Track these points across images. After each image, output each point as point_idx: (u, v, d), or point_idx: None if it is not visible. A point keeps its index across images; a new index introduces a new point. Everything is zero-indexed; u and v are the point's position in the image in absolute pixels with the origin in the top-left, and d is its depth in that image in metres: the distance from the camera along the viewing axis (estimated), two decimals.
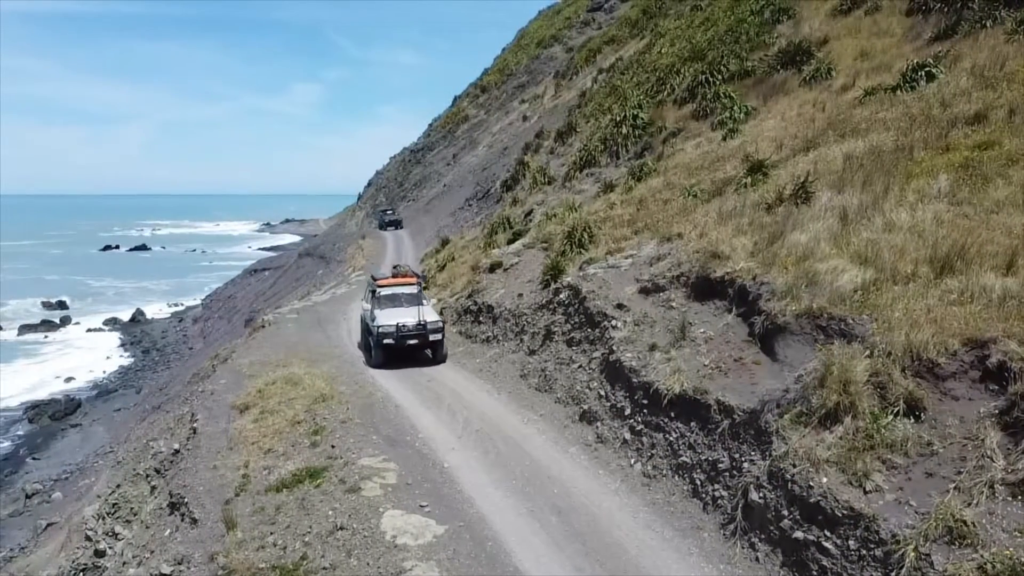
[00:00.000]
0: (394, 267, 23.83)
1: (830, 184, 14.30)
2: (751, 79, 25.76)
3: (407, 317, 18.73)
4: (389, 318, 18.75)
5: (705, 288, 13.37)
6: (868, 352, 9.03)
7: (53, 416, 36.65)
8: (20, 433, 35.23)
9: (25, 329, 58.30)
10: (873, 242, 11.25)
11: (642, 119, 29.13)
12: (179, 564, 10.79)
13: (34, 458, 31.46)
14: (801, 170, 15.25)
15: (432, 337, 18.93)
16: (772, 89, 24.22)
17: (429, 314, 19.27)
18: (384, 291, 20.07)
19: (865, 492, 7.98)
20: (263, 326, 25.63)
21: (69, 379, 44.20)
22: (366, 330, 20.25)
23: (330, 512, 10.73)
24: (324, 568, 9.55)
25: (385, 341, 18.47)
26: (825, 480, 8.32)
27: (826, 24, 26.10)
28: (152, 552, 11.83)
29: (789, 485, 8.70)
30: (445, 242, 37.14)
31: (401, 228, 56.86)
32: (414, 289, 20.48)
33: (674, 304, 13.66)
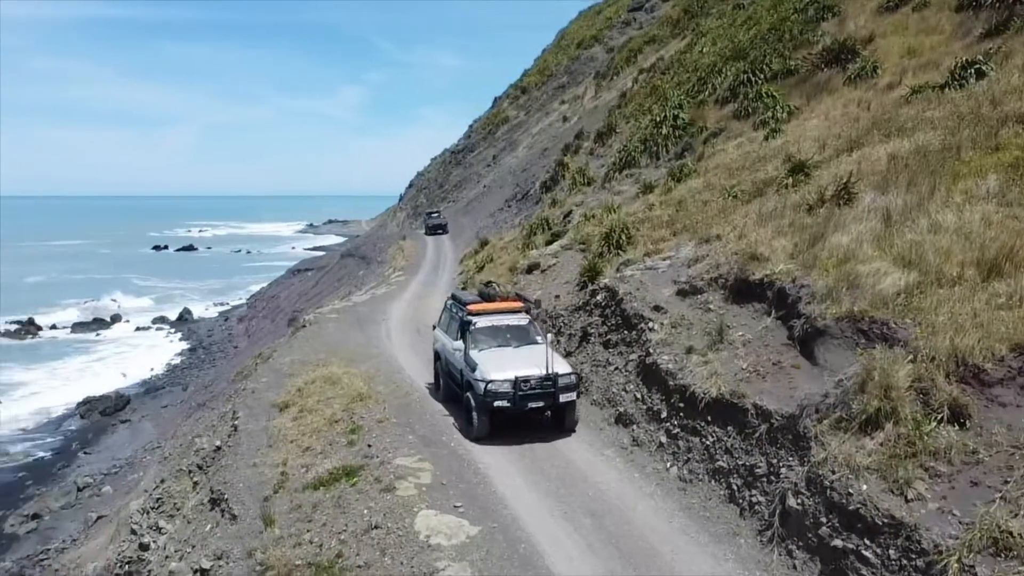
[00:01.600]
0: (486, 284, 18.58)
1: (874, 185, 14.00)
2: (794, 78, 25.33)
3: (528, 366, 13.24)
4: (500, 367, 13.42)
5: (744, 290, 13.19)
6: (911, 357, 8.82)
7: (103, 412, 37.56)
8: (72, 428, 36.17)
9: (78, 327, 59.97)
10: (917, 244, 10.98)
11: (683, 119, 28.84)
12: (218, 559, 11.01)
13: (85, 452, 32.27)
14: (844, 170, 14.95)
15: (564, 397, 13.32)
16: (815, 88, 23.79)
17: (558, 362, 13.64)
18: (481, 322, 14.92)
19: (907, 500, 7.80)
20: (304, 326, 25.95)
21: (119, 376, 45.30)
22: (447, 374, 15.82)
23: (365, 511, 10.84)
24: (359, 566, 9.66)
25: (497, 404, 13.12)
26: (865, 487, 8.15)
27: (872, 21, 25.54)
28: (193, 547, 12.09)
29: (828, 492, 8.54)
30: (484, 243, 37.22)
31: (446, 233, 54.42)
32: (523, 319, 15.45)
33: (712, 306, 13.50)
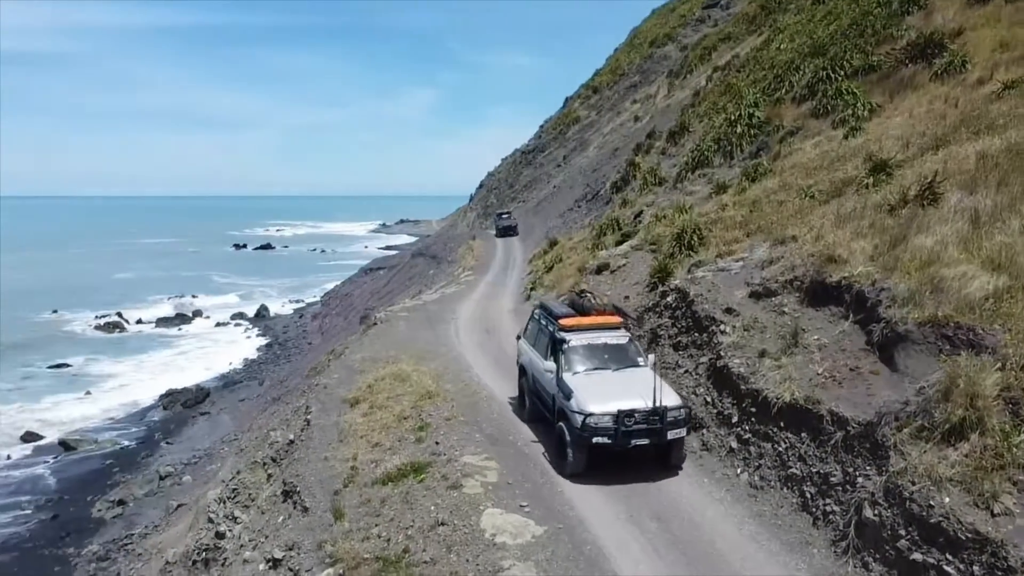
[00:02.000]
0: (579, 294, 16.95)
1: (961, 185, 13.40)
2: (876, 74, 24.45)
3: (631, 396, 11.63)
4: (599, 397, 11.77)
5: (820, 293, 12.80)
6: (999, 365, 8.43)
7: (185, 404, 39.07)
8: (156, 419, 37.73)
9: (162, 322, 62.58)
10: (1008, 246, 10.48)
11: (758, 118, 28.19)
12: (290, 550, 11.30)
13: (167, 443, 33.62)
14: (928, 170, 14.35)
15: (672, 434, 11.60)
16: (899, 84, 22.91)
17: (666, 392, 11.81)
18: (576, 339, 13.27)
19: (992, 515, 7.45)
20: (375, 323, 26.40)
21: (199, 369, 47.03)
22: (534, 393, 14.28)
23: (432, 507, 10.95)
24: (424, 562, 9.76)
25: (596, 440, 11.50)
26: (948, 500, 7.82)
27: (961, 14, 24.46)
28: (266, 537, 12.44)
29: (907, 503, 8.22)
30: (553, 243, 37.17)
31: (516, 235, 52.69)
32: (622, 337, 13.75)
33: (786, 309, 13.14)
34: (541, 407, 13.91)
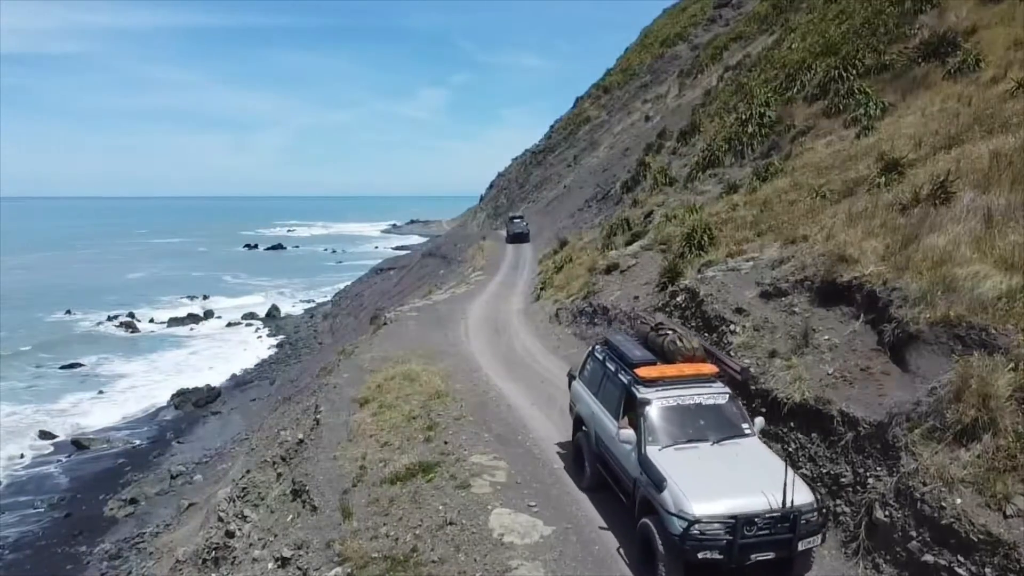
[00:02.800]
0: (654, 328, 11.70)
1: (974, 184, 13.27)
2: (888, 73, 24.29)
3: (747, 489, 8.61)
4: (705, 490, 8.64)
5: (831, 293, 12.71)
6: (1012, 365, 8.35)
7: (196, 403, 39.25)
8: (167, 418, 37.92)
9: (173, 322, 62.90)
10: (1021, 246, 10.38)
11: (769, 117, 28.07)
12: (299, 549, 11.32)
13: (179, 442, 33.78)
14: (941, 169, 14.22)
15: (804, 544, 8.59)
16: (912, 83, 22.74)
17: (797, 486, 8.58)
18: (661, 399, 9.96)
19: (1005, 516, 7.38)
20: (385, 323, 26.45)
21: (210, 369, 47.22)
22: (599, 459, 11.16)
23: (440, 507, 10.94)
24: (433, 561, 9.75)
25: (702, 555, 8.38)
26: (959, 501, 7.75)
27: (974, 12, 24.25)
28: (275, 536, 12.46)
29: (919, 504, 8.15)
30: (563, 243, 37.16)
31: (527, 242, 49.46)
32: (721, 394, 10.26)
33: (797, 309, 13.07)
34: (611, 482, 10.79)
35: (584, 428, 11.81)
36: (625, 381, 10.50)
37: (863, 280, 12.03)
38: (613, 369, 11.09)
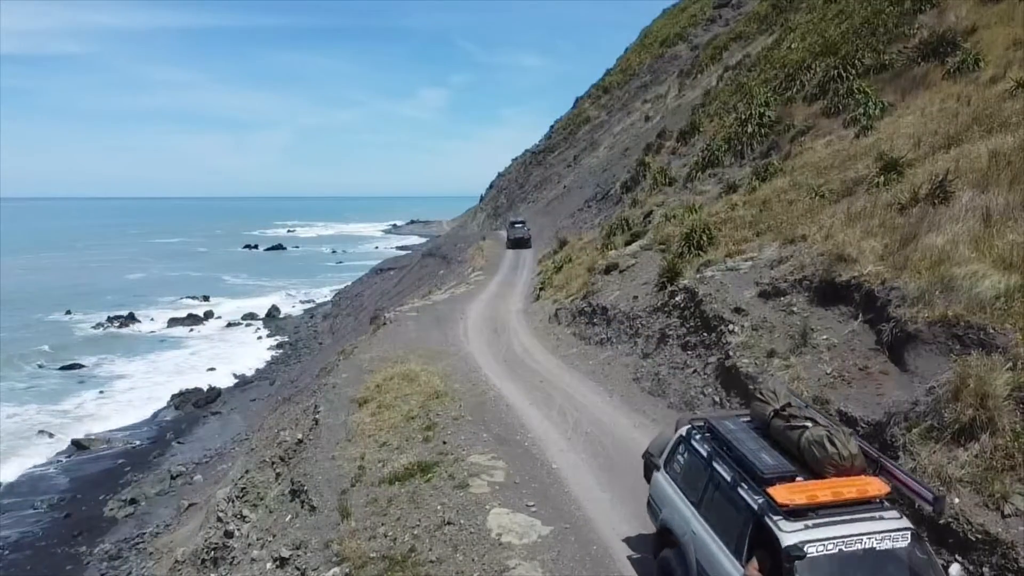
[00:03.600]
0: (779, 411, 7.52)
1: (972, 183, 13.28)
2: (888, 73, 24.30)
3: None
4: None
5: (829, 293, 12.72)
6: (1010, 364, 8.34)
7: (196, 404, 39.21)
8: (167, 419, 37.86)
9: (173, 323, 62.86)
10: (1020, 245, 10.38)
11: (769, 117, 28.10)
12: (297, 549, 11.30)
13: (179, 442, 33.72)
14: (940, 168, 14.24)
15: None
16: (911, 83, 22.75)
17: None
18: (816, 542, 6.14)
19: (1003, 516, 7.37)
20: (385, 323, 26.45)
21: (210, 369, 47.19)
22: None
23: (439, 507, 10.93)
24: (431, 561, 9.73)
25: None
26: (957, 500, 7.74)
27: (974, 12, 24.26)
28: (274, 536, 12.45)
29: (917, 504, 8.11)
30: (563, 243, 37.16)
31: (528, 248, 47.45)
32: (900, 532, 6.32)
33: (795, 309, 13.08)
34: None
35: (675, 544, 7.97)
36: (754, 506, 6.73)
37: (862, 280, 12.04)
38: (728, 479, 7.27)
